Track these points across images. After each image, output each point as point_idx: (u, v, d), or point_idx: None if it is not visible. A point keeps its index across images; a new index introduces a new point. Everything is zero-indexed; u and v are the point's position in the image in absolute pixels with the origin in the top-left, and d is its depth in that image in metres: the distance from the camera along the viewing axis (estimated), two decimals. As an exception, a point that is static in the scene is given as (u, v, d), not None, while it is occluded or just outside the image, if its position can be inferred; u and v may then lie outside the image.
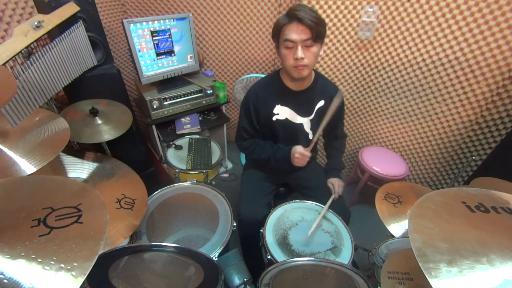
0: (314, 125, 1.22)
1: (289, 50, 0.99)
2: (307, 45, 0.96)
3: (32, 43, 1.03)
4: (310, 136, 1.24)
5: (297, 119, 1.19)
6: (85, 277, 0.45)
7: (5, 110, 0.87)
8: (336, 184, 1.26)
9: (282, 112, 1.18)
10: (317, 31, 0.94)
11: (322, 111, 1.20)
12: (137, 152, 1.74)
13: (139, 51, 1.58)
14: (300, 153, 1.14)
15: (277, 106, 1.16)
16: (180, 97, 1.77)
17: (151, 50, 1.62)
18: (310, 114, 1.20)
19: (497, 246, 0.47)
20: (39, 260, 0.45)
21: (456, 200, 0.58)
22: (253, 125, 1.23)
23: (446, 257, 0.47)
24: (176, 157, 1.49)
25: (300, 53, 0.96)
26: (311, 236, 1.03)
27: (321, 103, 1.19)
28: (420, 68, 1.57)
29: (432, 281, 0.44)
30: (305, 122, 1.21)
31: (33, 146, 0.89)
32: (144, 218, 1.07)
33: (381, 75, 1.71)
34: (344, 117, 1.39)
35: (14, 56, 0.96)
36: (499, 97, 1.46)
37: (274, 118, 1.18)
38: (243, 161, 2.39)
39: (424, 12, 1.41)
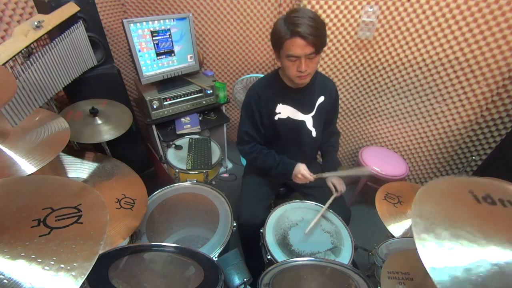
0: (316, 121, 1.22)
1: (292, 63, 0.99)
2: (310, 57, 0.96)
3: (32, 43, 1.03)
4: (313, 134, 1.24)
5: (299, 116, 1.19)
6: (85, 277, 0.45)
7: (5, 110, 0.87)
8: (337, 183, 1.26)
9: (283, 111, 1.18)
10: (320, 44, 0.94)
11: (323, 107, 1.21)
12: (137, 152, 1.74)
13: (139, 51, 1.58)
14: (303, 175, 1.16)
15: (278, 105, 1.16)
16: (180, 97, 1.77)
17: (151, 50, 1.62)
18: (311, 111, 1.20)
19: (498, 238, 0.47)
20: (39, 260, 0.45)
21: (464, 188, 0.57)
22: (256, 127, 1.21)
23: (446, 243, 0.47)
24: (176, 157, 1.49)
25: (304, 66, 0.97)
26: (309, 233, 1.03)
27: (321, 99, 1.19)
28: (420, 68, 1.57)
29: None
30: (307, 119, 1.21)
31: (33, 146, 0.89)
32: (144, 218, 1.07)
33: (381, 75, 1.71)
34: (338, 114, 1.39)
35: (14, 56, 0.96)
36: (499, 97, 1.46)
37: (276, 118, 1.18)
38: (243, 161, 2.39)
39: (424, 12, 1.41)
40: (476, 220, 0.51)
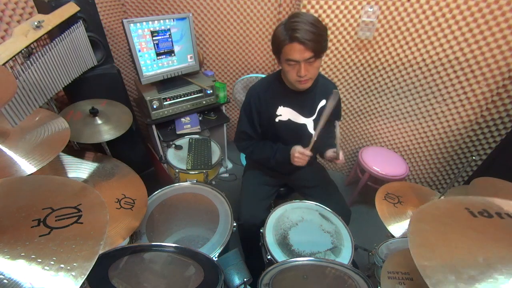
0: (317, 125, 1.22)
1: (292, 67, 0.98)
2: (310, 62, 0.95)
3: (32, 43, 1.03)
4: (314, 138, 1.24)
5: (300, 119, 1.19)
6: (85, 277, 0.45)
7: (5, 110, 0.87)
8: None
9: (284, 113, 1.17)
10: (319, 49, 0.93)
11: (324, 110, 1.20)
12: (137, 152, 1.74)
13: (139, 51, 1.58)
14: (300, 153, 1.12)
15: (279, 107, 1.16)
16: (180, 97, 1.77)
17: (151, 50, 1.62)
18: (313, 114, 1.20)
19: (495, 246, 0.48)
20: (39, 260, 0.45)
21: (460, 206, 0.59)
22: (254, 128, 1.21)
23: (444, 267, 0.47)
24: (176, 157, 1.49)
25: (303, 71, 0.96)
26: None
27: (322, 102, 1.19)
28: (420, 68, 1.57)
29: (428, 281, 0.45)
30: (308, 122, 1.20)
31: (33, 146, 0.89)
32: (144, 218, 1.07)
33: (381, 75, 1.71)
34: (340, 116, 1.38)
35: (14, 56, 0.96)
36: (499, 97, 1.46)
37: (277, 120, 1.18)
38: (243, 161, 2.39)
39: (424, 12, 1.41)
40: (472, 232, 0.52)
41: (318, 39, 0.91)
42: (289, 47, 0.93)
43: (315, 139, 1.11)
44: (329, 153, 1.17)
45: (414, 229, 0.54)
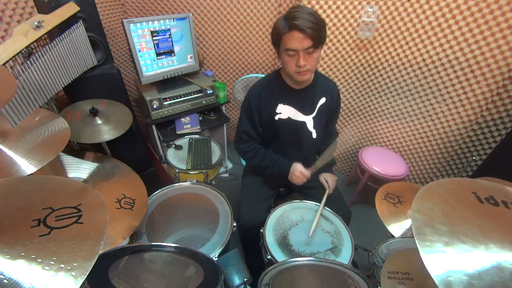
0: (317, 123, 1.22)
1: (291, 58, 0.98)
2: (309, 52, 0.96)
3: (32, 43, 1.03)
4: (314, 135, 1.24)
5: (300, 117, 1.19)
6: (85, 277, 0.45)
7: (5, 110, 0.87)
8: (329, 180, 1.26)
9: (284, 111, 1.17)
10: (318, 38, 0.93)
11: (324, 108, 1.20)
12: (137, 152, 1.74)
13: (139, 51, 1.58)
14: (300, 173, 1.16)
15: (279, 105, 1.16)
16: (180, 97, 1.77)
17: (151, 50, 1.62)
18: (312, 112, 1.20)
19: (498, 237, 0.47)
20: (39, 260, 0.45)
21: (467, 189, 0.58)
22: (255, 127, 1.21)
23: (444, 238, 0.47)
24: (176, 157, 1.49)
25: (302, 61, 0.96)
26: (312, 235, 1.03)
27: (322, 100, 1.19)
28: (420, 68, 1.57)
29: (423, 255, 0.45)
30: (308, 120, 1.20)
31: (33, 146, 0.89)
32: (144, 218, 1.07)
33: (381, 75, 1.71)
34: (339, 114, 1.38)
35: (14, 56, 0.96)
36: (499, 97, 1.46)
37: (276, 118, 1.18)
38: (243, 161, 2.39)
39: (424, 12, 1.41)
40: (476, 219, 0.51)
41: (317, 28, 0.91)
42: (288, 36, 0.94)
43: (319, 166, 1.15)
44: (322, 180, 1.29)
45: (418, 208, 0.53)
